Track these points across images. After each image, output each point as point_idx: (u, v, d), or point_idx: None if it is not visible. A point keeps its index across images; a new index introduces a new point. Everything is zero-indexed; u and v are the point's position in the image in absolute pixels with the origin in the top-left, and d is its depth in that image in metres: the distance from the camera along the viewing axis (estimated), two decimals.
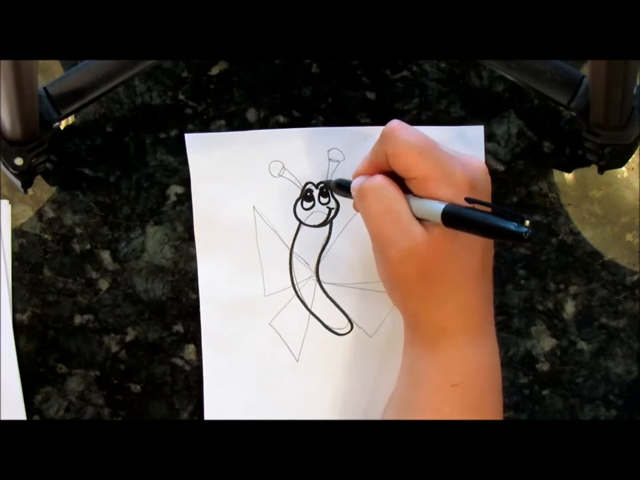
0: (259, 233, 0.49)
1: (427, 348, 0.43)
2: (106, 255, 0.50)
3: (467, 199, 0.38)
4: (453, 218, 0.37)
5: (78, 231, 0.50)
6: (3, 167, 0.45)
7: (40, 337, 0.50)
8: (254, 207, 0.49)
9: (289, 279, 0.50)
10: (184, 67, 0.50)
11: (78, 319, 0.50)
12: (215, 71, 0.51)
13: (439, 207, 0.38)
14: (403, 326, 0.45)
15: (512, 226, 0.34)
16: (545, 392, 0.52)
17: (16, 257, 0.49)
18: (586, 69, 0.49)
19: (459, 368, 0.42)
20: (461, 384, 0.42)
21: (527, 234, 0.34)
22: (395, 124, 0.41)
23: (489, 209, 0.37)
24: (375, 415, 0.49)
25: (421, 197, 0.40)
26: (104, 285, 0.50)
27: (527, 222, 0.34)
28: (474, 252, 0.41)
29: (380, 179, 0.42)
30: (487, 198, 0.42)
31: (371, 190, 0.42)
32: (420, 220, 0.40)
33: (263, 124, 0.51)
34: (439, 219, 0.38)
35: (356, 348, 0.50)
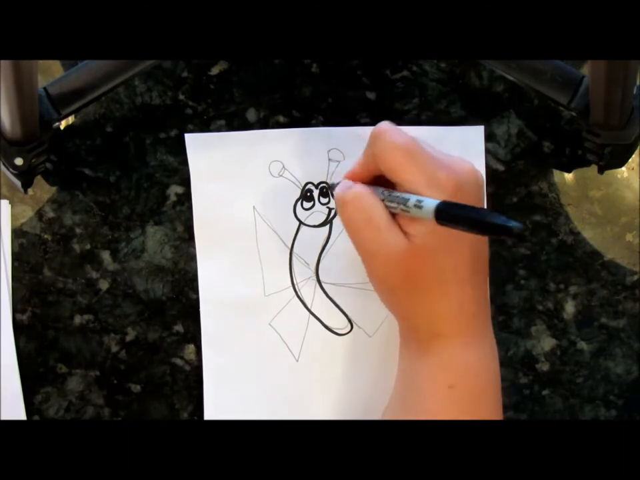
0: (259, 233, 0.49)
1: (421, 351, 0.43)
2: (106, 255, 0.50)
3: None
4: (444, 214, 0.37)
5: (78, 230, 0.50)
6: (2, 167, 0.45)
7: (40, 337, 0.50)
8: (254, 207, 0.49)
9: (289, 278, 0.50)
10: (184, 67, 0.50)
11: (78, 319, 0.50)
12: (215, 70, 0.51)
13: (432, 203, 0.38)
14: (399, 329, 0.45)
15: (500, 220, 0.34)
16: (545, 392, 0.52)
17: (16, 257, 0.49)
18: (586, 69, 0.49)
19: (454, 370, 0.42)
20: (457, 386, 0.42)
21: (517, 229, 0.33)
22: (383, 126, 0.41)
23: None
24: (375, 415, 0.49)
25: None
26: (104, 285, 0.50)
27: (515, 225, 0.34)
28: (461, 257, 0.41)
29: (358, 189, 0.41)
30: (476, 200, 0.41)
31: (348, 200, 0.41)
32: (409, 222, 0.40)
33: (263, 124, 0.51)
34: (430, 216, 0.38)
35: (356, 348, 0.50)
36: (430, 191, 0.39)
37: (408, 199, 0.39)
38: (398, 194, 0.40)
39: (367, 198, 0.41)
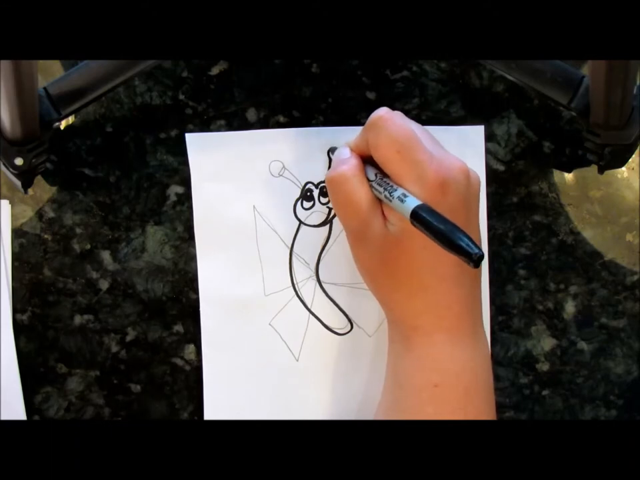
0: (259, 232, 0.49)
1: (405, 345, 0.43)
2: (106, 255, 0.50)
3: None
4: (418, 217, 0.38)
5: (78, 230, 0.50)
6: (3, 167, 0.45)
7: (40, 337, 0.50)
8: (254, 206, 0.49)
9: (289, 278, 0.50)
10: (184, 67, 0.50)
11: (78, 319, 0.50)
12: (215, 70, 0.51)
13: (412, 203, 0.38)
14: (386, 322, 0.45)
15: (463, 242, 0.35)
16: (545, 392, 0.52)
17: (16, 256, 0.49)
18: (586, 69, 0.49)
19: (437, 367, 0.42)
20: (442, 384, 0.41)
21: (477, 255, 0.34)
22: (382, 112, 0.41)
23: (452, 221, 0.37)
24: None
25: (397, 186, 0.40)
26: (104, 285, 0.50)
27: (477, 252, 0.34)
28: (443, 255, 0.40)
29: (344, 169, 0.42)
30: (464, 199, 0.41)
31: (333, 180, 0.43)
32: (390, 209, 0.41)
33: (263, 124, 0.51)
34: (406, 214, 0.38)
35: (356, 348, 0.50)
36: (415, 187, 0.39)
37: (395, 190, 0.40)
38: (388, 181, 0.41)
39: (351, 180, 0.42)
